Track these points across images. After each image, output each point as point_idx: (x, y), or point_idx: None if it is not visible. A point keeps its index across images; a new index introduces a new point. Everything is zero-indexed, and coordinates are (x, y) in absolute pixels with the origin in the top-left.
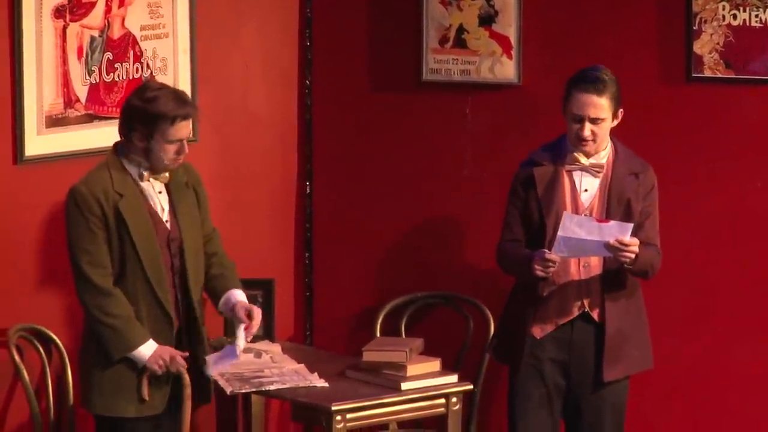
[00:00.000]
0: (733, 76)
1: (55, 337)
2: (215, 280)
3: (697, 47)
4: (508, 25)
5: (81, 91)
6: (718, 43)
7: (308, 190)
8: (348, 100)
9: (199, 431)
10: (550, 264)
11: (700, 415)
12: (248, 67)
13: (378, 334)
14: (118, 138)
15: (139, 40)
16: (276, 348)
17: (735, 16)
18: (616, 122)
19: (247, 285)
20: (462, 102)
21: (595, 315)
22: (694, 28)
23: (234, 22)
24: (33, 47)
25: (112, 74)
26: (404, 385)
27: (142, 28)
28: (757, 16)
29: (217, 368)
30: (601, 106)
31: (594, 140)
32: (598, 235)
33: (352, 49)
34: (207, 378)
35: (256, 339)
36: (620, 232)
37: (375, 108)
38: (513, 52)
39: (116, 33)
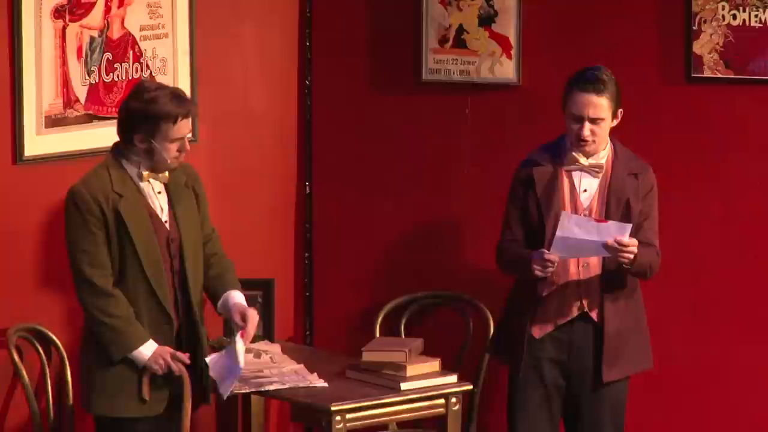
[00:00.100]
0: (733, 76)
1: (54, 337)
2: (214, 281)
3: (697, 47)
4: (508, 26)
5: (80, 91)
6: (717, 43)
7: (308, 190)
8: (348, 100)
9: (198, 431)
10: (549, 264)
11: (700, 415)
12: (248, 68)
13: (378, 335)
14: (117, 138)
15: (138, 40)
16: (275, 348)
17: (735, 16)
18: (615, 122)
19: (246, 285)
20: (462, 102)
21: (594, 315)
22: (694, 28)
23: (234, 23)
24: (32, 47)
25: (111, 74)
26: (404, 386)
27: (142, 29)
28: (756, 16)
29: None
30: (600, 106)
31: (594, 140)
32: (597, 235)
33: (352, 49)
34: (207, 378)
35: (255, 339)
36: (619, 233)
37: (375, 108)
38: (513, 52)
39: (116, 33)
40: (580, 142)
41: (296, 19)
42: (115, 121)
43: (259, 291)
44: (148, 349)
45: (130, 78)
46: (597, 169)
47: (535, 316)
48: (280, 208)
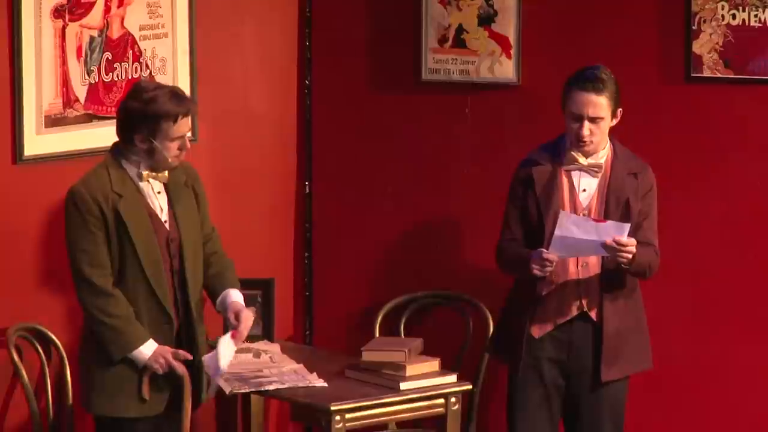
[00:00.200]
0: (733, 76)
1: (54, 337)
2: (213, 279)
3: (697, 47)
4: (508, 25)
5: (80, 90)
6: (717, 43)
7: (307, 190)
8: (347, 99)
9: (198, 431)
10: (548, 263)
11: (700, 415)
12: (248, 67)
13: (377, 334)
14: (117, 138)
15: (138, 40)
16: (275, 348)
17: (734, 16)
18: (615, 121)
19: (246, 285)
20: (461, 102)
21: (593, 315)
22: (694, 27)
23: (233, 22)
24: (32, 47)
25: (111, 74)
26: (403, 385)
27: (141, 28)
28: (756, 15)
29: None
30: (600, 105)
31: (593, 140)
32: (595, 234)
33: (352, 49)
34: (201, 379)
35: (255, 339)
36: (617, 232)
37: (374, 107)
38: (512, 52)
39: (115, 33)
40: (579, 142)
41: (296, 18)
42: (115, 120)
43: (259, 290)
44: (148, 349)
45: (130, 78)
46: (596, 169)
47: (535, 315)
48: (279, 208)
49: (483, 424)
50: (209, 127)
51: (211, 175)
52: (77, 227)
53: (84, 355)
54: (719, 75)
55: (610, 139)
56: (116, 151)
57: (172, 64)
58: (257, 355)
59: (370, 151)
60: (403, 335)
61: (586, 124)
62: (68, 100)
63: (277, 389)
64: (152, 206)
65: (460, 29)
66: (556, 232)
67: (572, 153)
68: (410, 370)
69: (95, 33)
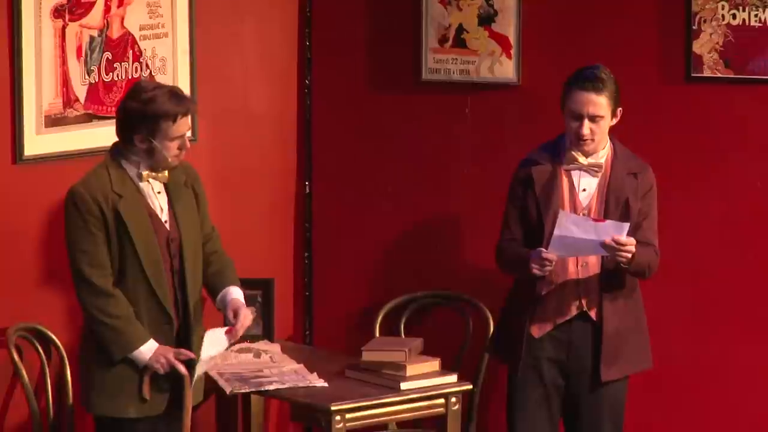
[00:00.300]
0: (733, 76)
1: (54, 336)
2: (214, 277)
3: (697, 47)
4: (508, 25)
5: (80, 90)
6: (717, 43)
7: (307, 190)
8: (347, 99)
9: (198, 431)
10: (547, 263)
11: (700, 415)
12: (248, 67)
13: (377, 334)
14: (116, 138)
15: (138, 39)
16: (275, 348)
17: (734, 16)
18: (615, 121)
19: (246, 285)
20: (461, 102)
21: (593, 314)
22: (694, 27)
23: (233, 22)
24: (32, 47)
25: (111, 74)
26: (403, 385)
27: (142, 28)
28: (756, 15)
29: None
30: (600, 104)
31: (593, 139)
32: (594, 234)
33: (352, 49)
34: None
35: (255, 339)
36: (616, 232)
37: (374, 107)
38: (512, 52)
39: (115, 33)
40: (579, 141)
41: (296, 18)
42: (115, 120)
43: (259, 290)
44: (148, 349)
45: (130, 77)
46: (596, 169)
47: (534, 315)
48: (279, 208)
49: (483, 424)
50: (209, 127)
51: (211, 175)
52: (77, 227)
53: (84, 355)
54: (719, 75)
55: (610, 139)
56: (116, 151)
57: (172, 63)
58: (257, 355)
59: (370, 151)
60: (403, 335)
61: (587, 123)
62: (68, 99)
63: (278, 389)
64: (152, 206)
65: (460, 29)
66: (556, 231)
67: (572, 153)
68: (410, 370)
69: (95, 33)
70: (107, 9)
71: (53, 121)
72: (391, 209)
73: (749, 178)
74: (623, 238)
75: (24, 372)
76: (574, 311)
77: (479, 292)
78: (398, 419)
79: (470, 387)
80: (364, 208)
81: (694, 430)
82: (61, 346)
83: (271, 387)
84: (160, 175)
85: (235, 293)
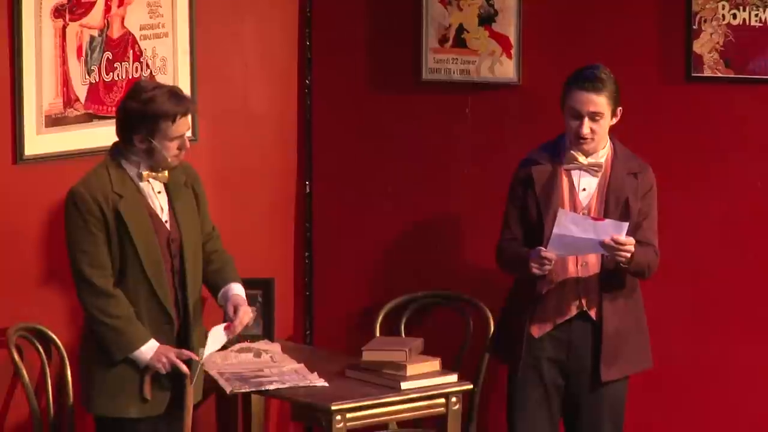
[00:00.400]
0: (733, 76)
1: (54, 336)
2: (215, 275)
3: (697, 47)
4: (508, 25)
5: (80, 90)
6: (717, 43)
7: (308, 190)
8: (348, 99)
9: (199, 431)
10: (546, 262)
11: (700, 414)
12: (248, 67)
13: (378, 334)
14: (116, 138)
15: (138, 39)
16: (276, 347)
17: (735, 16)
18: (615, 120)
19: (246, 284)
20: (462, 101)
21: (593, 314)
22: (694, 27)
23: (234, 22)
24: (32, 47)
25: (111, 74)
26: (404, 385)
27: (142, 28)
28: (756, 15)
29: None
30: (599, 104)
31: (593, 138)
32: (594, 233)
33: (352, 49)
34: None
35: (256, 338)
36: (615, 231)
37: (375, 107)
38: (513, 52)
39: (116, 32)
40: (579, 140)
41: (296, 18)
42: (114, 120)
43: (259, 290)
44: (149, 349)
45: (130, 77)
46: (596, 168)
47: (534, 315)
48: (280, 207)
49: (483, 424)
50: (209, 127)
51: (212, 175)
52: (78, 228)
53: (84, 355)
54: (720, 75)
55: (610, 139)
56: (116, 152)
57: (172, 63)
58: (258, 354)
59: (370, 151)
60: (403, 335)
61: (586, 122)
62: (68, 99)
63: (278, 389)
64: (153, 206)
65: (460, 29)
66: (555, 230)
67: (572, 152)
68: (411, 369)
69: (95, 33)
70: (107, 9)
71: (53, 121)
72: (391, 209)
73: (749, 178)
74: (622, 237)
75: (24, 372)
76: (574, 311)
77: (479, 292)
78: (399, 419)
79: (471, 387)
80: (364, 208)
81: (694, 430)
82: (61, 346)
83: (272, 387)
84: (160, 175)
85: (237, 289)
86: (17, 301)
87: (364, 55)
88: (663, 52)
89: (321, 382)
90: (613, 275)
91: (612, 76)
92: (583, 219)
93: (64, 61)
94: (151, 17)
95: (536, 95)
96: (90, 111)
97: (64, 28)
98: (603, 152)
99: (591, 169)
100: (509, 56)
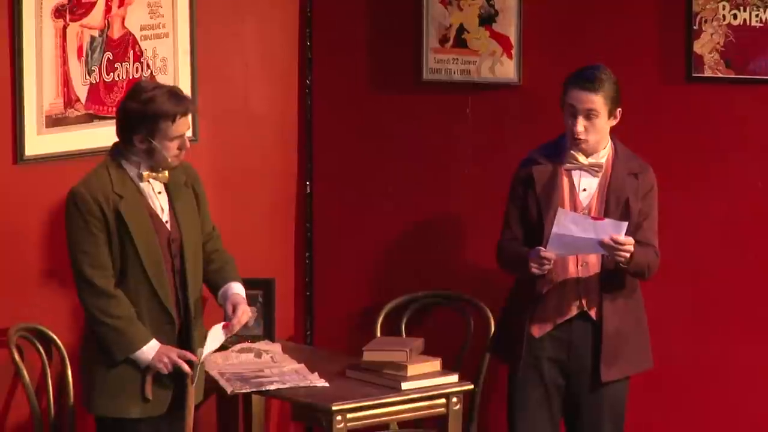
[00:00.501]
0: (734, 76)
1: (55, 336)
2: (215, 274)
3: (698, 47)
4: (509, 25)
5: (81, 90)
6: (718, 43)
7: (308, 190)
8: (348, 99)
9: (200, 431)
10: (545, 261)
11: (700, 414)
12: (248, 67)
13: (378, 334)
14: (117, 138)
15: (139, 39)
16: (276, 348)
17: (735, 16)
18: (613, 121)
19: (247, 285)
20: (462, 102)
21: (593, 314)
22: (695, 27)
23: (234, 22)
24: (33, 47)
25: (112, 74)
26: (405, 385)
27: (142, 28)
28: (757, 15)
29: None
30: (594, 102)
31: (588, 137)
32: (593, 232)
33: (353, 49)
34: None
35: (256, 339)
36: (615, 230)
37: (375, 107)
38: (513, 52)
39: (116, 33)
40: (575, 139)
41: (297, 18)
42: (115, 121)
43: (260, 290)
44: (150, 349)
45: (131, 77)
46: (596, 169)
47: (535, 314)
48: (280, 208)
49: (484, 424)
50: (210, 127)
51: (212, 175)
52: (78, 228)
53: (85, 355)
54: (720, 75)
55: (611, 139)
56: (116, 152)
57: (173, 63)
58: (258, 355)
59: (371, 151)
60: (404, 335)
61: (581, 120)
62: (69, 100)
63: (278, 389)
64: (153, 206)
65: (461, 29)
66: (554, 229)
67: (572, 152)
68: (411, 370)
69: (96, 33)
70: (108, 9)
71: (54, 122)
72: (392, 209)
73: (750, 178)
74: (622, 237)
75: (25, 372)
76: (574, 311)
77: (480, 292)
78: (399, 419)
79: (471, 387)
80: (365, 208)
81: (694, 430)
82: (62, 346)
83: (272, 387)
84: (160, 175)
85: (236, 288)
86: (18, 301)
87: (365, 56)
88: (663, 52)
89: (321, 383)
90: (614, 275)
91: (612, 77)
92: (583, 218)
93: (64, 62)
94: (151, 17)
95: (537, 95)
96: (90, 111)
97: (64, 28)
98: (604, 152)
99: (591, 169)
100: (510, 56)
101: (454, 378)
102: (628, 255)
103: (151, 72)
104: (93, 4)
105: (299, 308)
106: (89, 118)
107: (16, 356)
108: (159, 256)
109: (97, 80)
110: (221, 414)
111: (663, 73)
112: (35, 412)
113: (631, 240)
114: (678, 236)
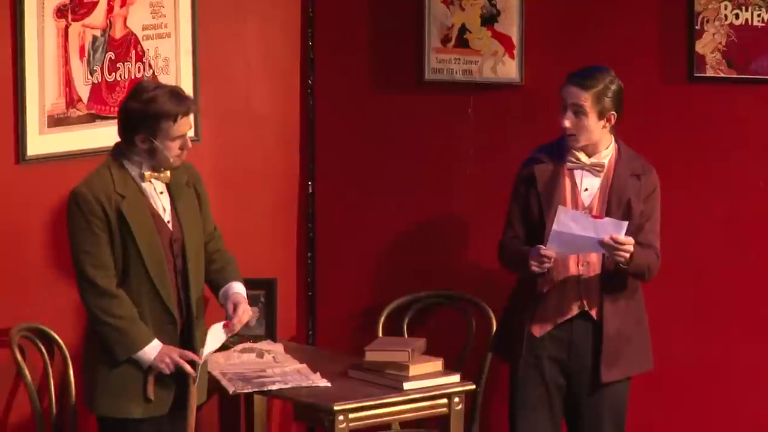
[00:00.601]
0: (735, 76)
1: (57, 336)
2: (217, 274)
3: (699, 47)
4: (511, 25)
5: (83, 90)
6: (720, 43)
7: (310, 190)
8: (350, 99)
9: (202, 431)
10: (545, 259)
11: (701, 415)
12: (250, 67)
13: (380, 334)
14: (119, 138)
15: (141, 39)
16: (278, 348)
17: (737, 16)
18: (605, 124)
19: (249, 285)
20: (464, 102)
21: (593, 314)
22: (696, 27)
23: (236, 22)
24: (35, 47)
25: (114, 74)
26: (407, 385)
27: (144, 28)
28: (759, 15)
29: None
30: (581, 98)
31: (576, 134)
32: (593, 231)
33: (354, 49)
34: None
35: (258, 339)
36: (615, 230)
37: (377, 107)
38: (515, 52)
39: (118, 33)
40: (564, 134)
41: (299, 18)
42: (116, 121)
43: (262, 290)
44: (153, 349)
45: (133, 77)
46: (598, 168)
47: (535, 314)
48: (282, 208)
49: (486, 424)
50: (212, 127)
51: (214, 175)
52: (80, 229)
53: (87, 355)
54: (722, 75)
55: (615, 140)
56: (118, 152)
57: (174, 63)
58: (260, 355)
59: (373, 151)
60: (406, 335)
61: (568, 114)
62: (71, 100)
63: (280, 389)
64: (155, 206)
65: (463, 29)
66: (554, 227)
67: (574, 151)
68: (413, 370)
69: (98, 33)
70: (110, 9)
71: (56, 121)
72: (394, 209)
73: (751, 178)
74: (621, 236)
75: (27, 372)
76: (575, 310)
77: (482, 292)
78: (401, 419)
79: (473, 387)
80: (367, 208)
81: (694, 430)
82: (64, 346)
83: (274, 387)
84: (162, 175)
85: (237, 288)
86: (20, 301)
87: (367, 55)
88: (665, 52)
89: (323, 383)
90: (615, 276)
91: (614, 81)
92: (583, 217)
93: (66, 62)
94: (153, 17)
95: (539, 95)
96: (92, 111)
97: (66, 28)
98: (606, 152)
99: (593, 168)
100: (511, 56)
101: (456, 378)
102: (627, 255)
103: (153, 72)
104: (95, 4)
105: (301, 308)
106: (91, 118)
107: (18, 356)
108: (161, 256)
109: (99, 80)
110: (223, 414)
111: (665, 72)
112: (37, 412)
113: (630, 240)
114: (679, 236)
